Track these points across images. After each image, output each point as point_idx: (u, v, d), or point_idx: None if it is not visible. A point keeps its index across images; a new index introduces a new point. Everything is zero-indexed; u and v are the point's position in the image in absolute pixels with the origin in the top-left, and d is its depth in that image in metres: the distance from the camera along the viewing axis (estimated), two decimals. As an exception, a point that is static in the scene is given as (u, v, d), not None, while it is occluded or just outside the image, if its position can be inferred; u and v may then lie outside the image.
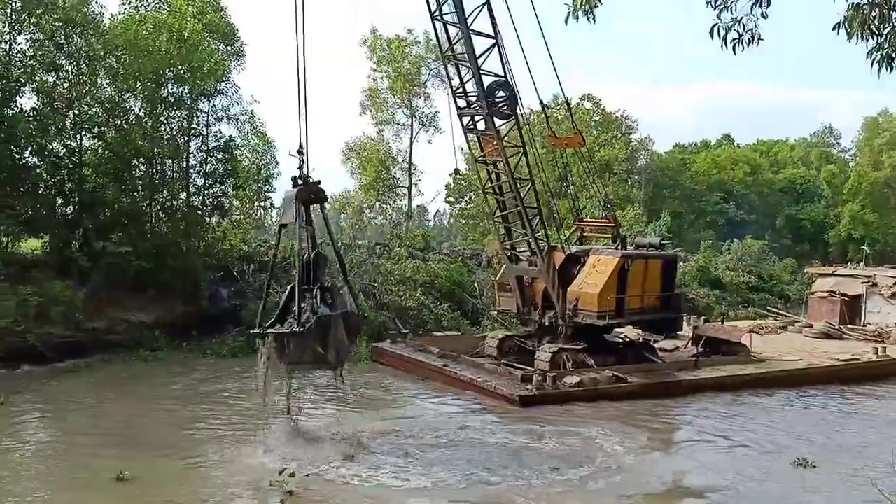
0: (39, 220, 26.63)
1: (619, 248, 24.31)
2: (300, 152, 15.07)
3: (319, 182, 15.38)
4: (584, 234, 26.57)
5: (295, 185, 15.08)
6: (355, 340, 16.61)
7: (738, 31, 8.64)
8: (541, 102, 25.51)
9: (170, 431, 16.58)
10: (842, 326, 33.11)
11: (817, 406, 22.01)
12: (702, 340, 26.10)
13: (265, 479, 13.17)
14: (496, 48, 21.07)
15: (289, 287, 14.85)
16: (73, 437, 16.19)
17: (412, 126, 59.26)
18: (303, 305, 14.11)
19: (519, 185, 22.17)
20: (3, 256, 24.70)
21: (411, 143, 59.74)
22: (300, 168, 15.16)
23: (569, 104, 27.62)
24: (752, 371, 24.24)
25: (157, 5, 30.40)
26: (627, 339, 25.26)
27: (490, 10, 20.65)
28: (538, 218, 22.73)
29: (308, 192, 15.06)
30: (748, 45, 8.73)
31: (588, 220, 28.29)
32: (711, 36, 8.62)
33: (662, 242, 26.01)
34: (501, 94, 21.48)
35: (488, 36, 20.99)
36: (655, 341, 25.11)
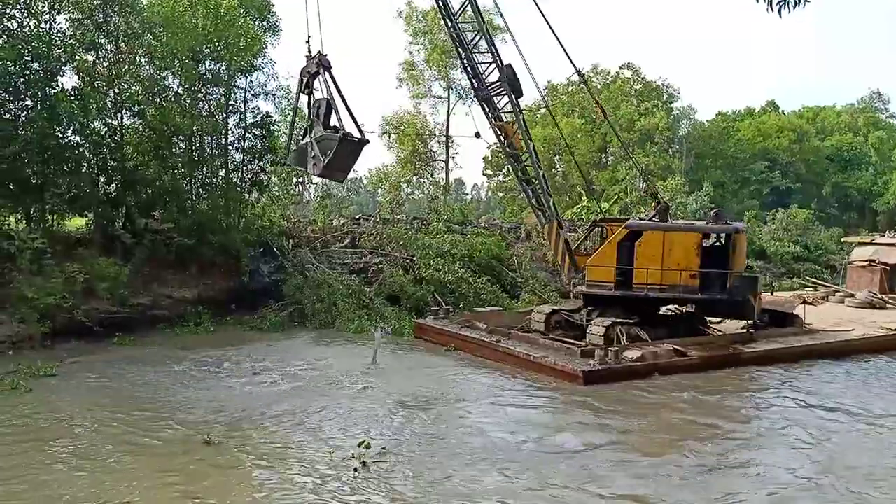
0: (83, 198, 27.02)
1: (656, 218, 23.78)
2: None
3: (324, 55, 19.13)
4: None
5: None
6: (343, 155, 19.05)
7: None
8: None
9: (238, 400, 16.86)
10: (883, 296, 32.15)
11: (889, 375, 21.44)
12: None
13: (344, 449, 13.30)
14: (487, 35, 23.06)
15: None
16: (143, 405, 16.37)
17: (449, 98, 58.88)
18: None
19: (514, 159, 24.08)
20: (49, 235, 25.16)
21: (448, 116, 59.41)
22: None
23: (582, 76, 28.41)
24: (810, 342, 23.51)
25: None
26: (679, 312, 24.83)
27: (474, 3, 22.34)
28: (541, 187, 23.94)
29: (310, 65, 19.21)
30: (794, 8, 8.35)
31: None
32: (756, -1, 8.24)
33: (716, 211, 24.65)
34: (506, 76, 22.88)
35: (475, 23, 22.83)
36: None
